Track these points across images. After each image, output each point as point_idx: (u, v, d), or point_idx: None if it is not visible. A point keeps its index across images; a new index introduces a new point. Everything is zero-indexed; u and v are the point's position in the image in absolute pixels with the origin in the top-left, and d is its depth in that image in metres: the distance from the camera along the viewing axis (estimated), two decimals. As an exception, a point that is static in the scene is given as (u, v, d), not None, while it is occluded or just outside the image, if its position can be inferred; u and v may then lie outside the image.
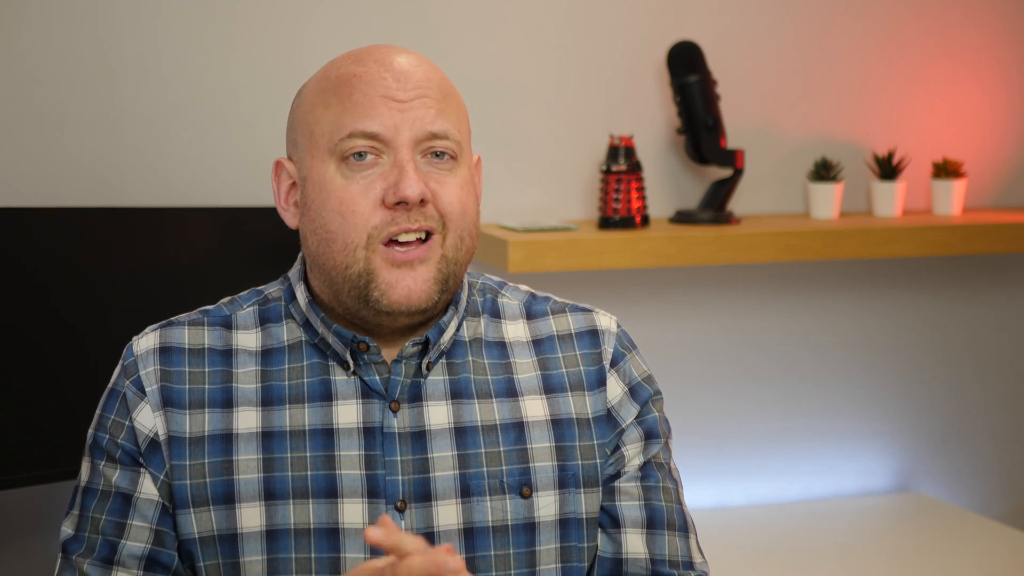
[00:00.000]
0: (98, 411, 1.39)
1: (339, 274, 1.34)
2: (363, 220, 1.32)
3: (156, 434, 1.35)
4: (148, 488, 1.35)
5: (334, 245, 1.33)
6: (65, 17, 2.25)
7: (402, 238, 1.32)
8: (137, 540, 1.34)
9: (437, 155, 1.34)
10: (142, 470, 1.35)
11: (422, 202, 1.32)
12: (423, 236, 1.33)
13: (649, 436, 1.43)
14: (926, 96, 2.73)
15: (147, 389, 1.37)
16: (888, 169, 2.62)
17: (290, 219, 1.41)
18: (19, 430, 1.99)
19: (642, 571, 1.39)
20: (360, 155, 1.33)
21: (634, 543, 1.40)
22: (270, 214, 1.87)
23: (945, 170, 2.64)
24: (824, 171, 2.59)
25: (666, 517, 1.41)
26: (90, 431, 1.39)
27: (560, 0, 2.52)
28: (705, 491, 2.66)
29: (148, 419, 1.36)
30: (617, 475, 1.42)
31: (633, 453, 1.42)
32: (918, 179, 2.73)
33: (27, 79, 2.25)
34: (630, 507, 1.41)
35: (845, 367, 2.74)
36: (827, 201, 2.58)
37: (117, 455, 1.36)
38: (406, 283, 1.32)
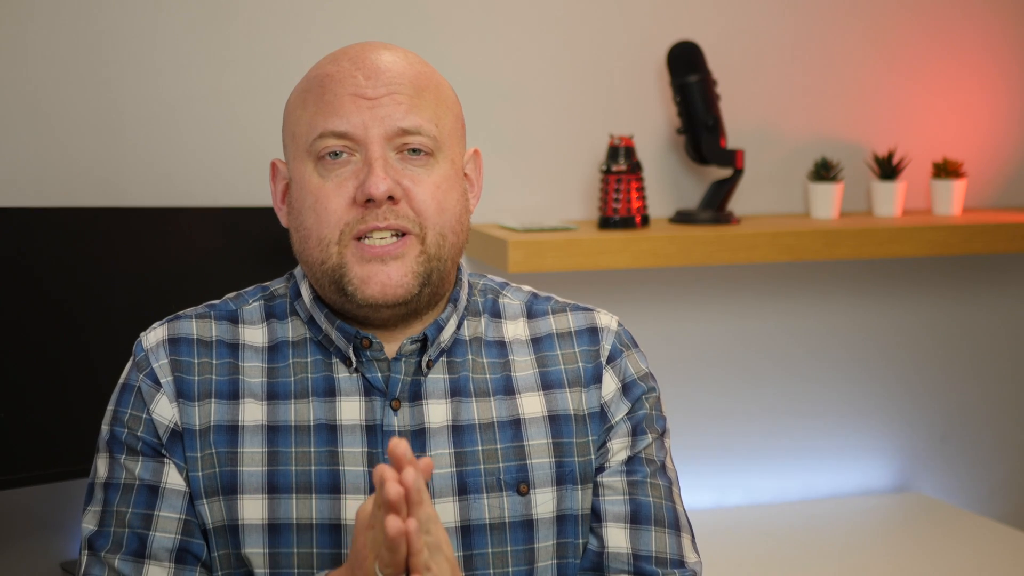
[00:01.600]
0: (111, 407, 1.39)
1: (317, 268, 1.35)
2: (336, 217, 1.33)
3: (176, 424, 1.36)
4: (174, 478, 1.35)
5: (310, 241, 1.35)
6: (66, 17, 2.25)
7: (374, 234, 1.33)
8: (166, 531, 1.33)
9: (413, 151, 1.34)
10: (165, 460, 1.35)
11: (392, 199, 1.32)
12: (398, 234, 1.33)
13: (637, 431, 1.43)
14: (926, 96, 2.74)
15: (162, 381, 1.37)
16: (888, 169, 2.62)
17: (283, 218, 1.42)
18: (19, 430, 1.99)
19: (624, 566, 1.39)
20: (335, 154, 1.34)
21: (615, 537, 1.39)
22: (270, 214, 1.87)
23: (945, 170, 2.64)
24: (824, 171, 2.59)
25: (653, 513, 1.41)
26: (104, 427, 1.39)
27: (560, 0, 2.52)
28: (705, 491, 2.66)
29: (167, 410, 1.36)
30: (602, 469, 1.42)
31: (618, 448, 1.42)
32: (918, 179, 2.73)
33: (27, 79, 2.25)
34: (613, 502, 1.40)
35: (845, 367, 2.74)
36: (827, 201, 2.58)
37: (138, 447, 1.36)
38: (379, 278, 1.33)
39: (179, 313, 1.43)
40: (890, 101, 2.72)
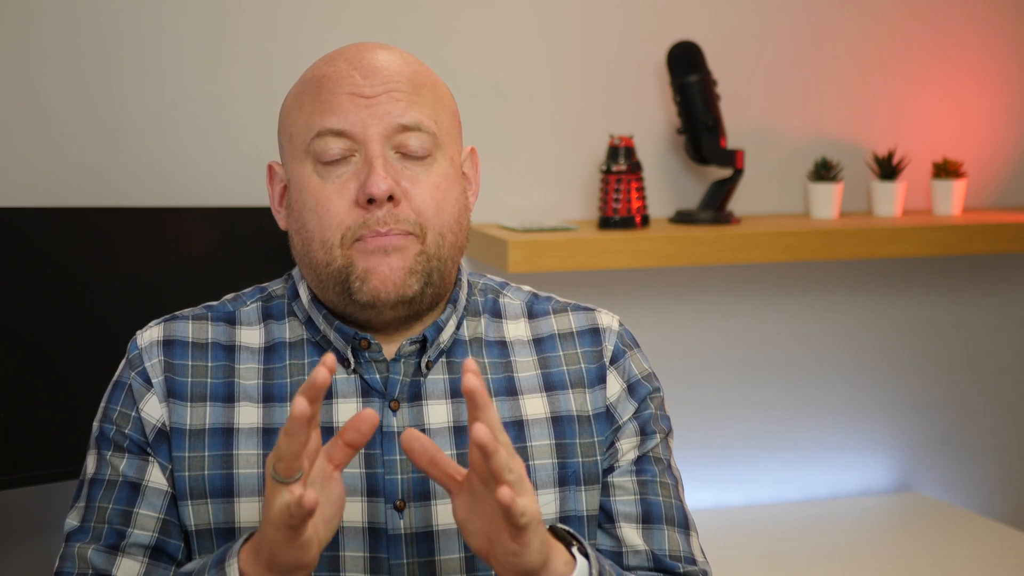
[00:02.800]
0: (103, 404, 1.40)
1: (322, 271, 1.34)
2: (337, 220, 1.32)
3: (163, 424, 1.36)
4: (157, 477, 1.35)
5: (314, 244, 1.34)
6: (66, 18, 2.25)
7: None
8: (144, 529, 1.34)
9: (412, 151, 1.34)
10: (150, 459, 1.36)
11: (392, 199, 1.32)
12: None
13: (645, 431, 1.43)
14: (926, 96, 2.74)
15: (153, 380, 1.37)
16: (888, 169, 2.62)
17: (281, 221, 1.42)
18: (19, 430, 1.99)
19: (644, 562, 1.39)
20: (335, 155, 1.33)
21: (631, 536, 1.39)
22: (268, 214, 1.86)
23: (945, 170, 2.64)
24: (824, 171, 2.59)
25: (664, 512, 1.41)
26: (95, 424, 1.39)
27: (561, 0, 2.52)
28: (705, 491, 2.66)
29: (155, 409, 1.36)
30: (611, 470, 1.42)
31: (628, 448, 1.42)
32: (918, 179, 2.73)
33: (27, 79, 2.25)
34: (625, 502, 1.40)
35: (845, 367, 2.74)
36: (827, 201, 2.58)
37: (125, 444, 1.36)
38: (381, 270, 1.32)
39: (176, 313, 1.43)
40: (890, 101, 2.72)
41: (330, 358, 1.13)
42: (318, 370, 1.11)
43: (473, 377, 1.14)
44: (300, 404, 1.10)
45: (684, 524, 1.43)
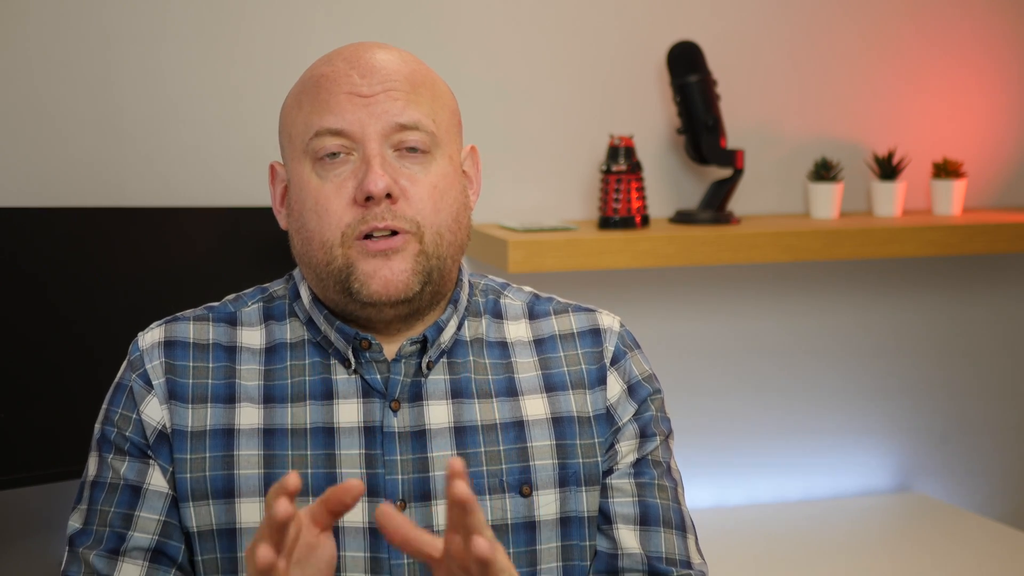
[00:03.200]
0: (104, 406, 1.40)
1: (322, 270, 1.35)
2: (336, 219, 1.32)
3: (164, 426, 1.36)
4: (157, 480, 1.35)
5: (313, 244, 1.34)
6: (66, 17, 2.25)
7: (375, 233, 1.32)
8: (144, 532, 1.34)
9: (410, 149, 1.34)
10: (151, 462, 1.36)
11: (391, 197, 1.32)
12: (396, 232, 1.33)
13: (645, 433, 1.43)
14: (926, 96, 2.74)
15: (154, 382, 1.37)
16: (888, 169, 2.62)
17: (282, 221, 1.42)
18: (20, 430, 1.99)
19: (638, 566, 1.39)
20: (333, 154, 1.33)
21: (627, 539, 1.39)
22: (270, 214, 1.86)
23: (945, 170, 2.64)
24: (824, 171, 2.59)
25: (661, 514, 1.41)
26: (97, 426, 1.39)
27: (560, 0, 2.52)
28: (705, 491, 2.66)
29: (156, 412, 1.36)
30: (611, 471, 1.41)
31: (627, 450, 1.42)
32: (918, 179, 2.73)
33: (28, 79, 2.25)
34: (623, 503, 1.40)
35: (845, 367, 2.74)
36: (827, 201, 2.58)
37: (125, 447, 1.36)
38: (383, 273, 1.32)
39: (178, 315, 1.43)
40: (890, 101, 2.72)
41: (292, 479, 1.07)
42: (279, 503, 1.05)
43: (463, 484, 1.07)
44: (282, 505, 1.04)
45: (681, 527, 1.42)
